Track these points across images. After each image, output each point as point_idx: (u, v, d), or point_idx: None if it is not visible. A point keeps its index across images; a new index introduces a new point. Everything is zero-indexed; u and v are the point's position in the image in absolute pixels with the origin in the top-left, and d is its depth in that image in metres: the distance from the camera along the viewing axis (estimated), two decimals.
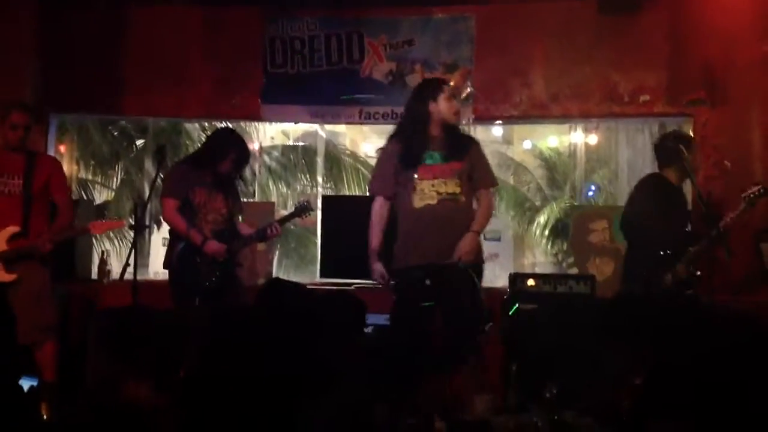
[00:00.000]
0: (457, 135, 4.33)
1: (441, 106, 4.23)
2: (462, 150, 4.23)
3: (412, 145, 4.19)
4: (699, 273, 4.78)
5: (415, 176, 4.16)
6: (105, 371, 2.87)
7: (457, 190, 4.16)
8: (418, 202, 4.16)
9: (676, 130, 5.21)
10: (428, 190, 4.15)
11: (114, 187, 9.03)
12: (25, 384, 3.25)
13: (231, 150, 4.82)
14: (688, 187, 5.17)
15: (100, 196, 8.94)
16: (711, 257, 4.70)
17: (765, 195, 4.73)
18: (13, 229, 4.55)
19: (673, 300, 4.51)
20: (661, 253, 4.69)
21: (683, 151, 4.69)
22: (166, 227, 5.12)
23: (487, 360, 4.93)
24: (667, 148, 4.86)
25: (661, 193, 4.79)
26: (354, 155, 9.87)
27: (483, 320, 4.20)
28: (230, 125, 6.35)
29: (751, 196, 4.73)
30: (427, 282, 4.11)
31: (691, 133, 5.86)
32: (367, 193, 4.78)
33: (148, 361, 2.71)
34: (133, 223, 5.03)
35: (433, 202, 4.14)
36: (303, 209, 5.06)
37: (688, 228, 4.94)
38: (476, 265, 4.20)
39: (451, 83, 6.02)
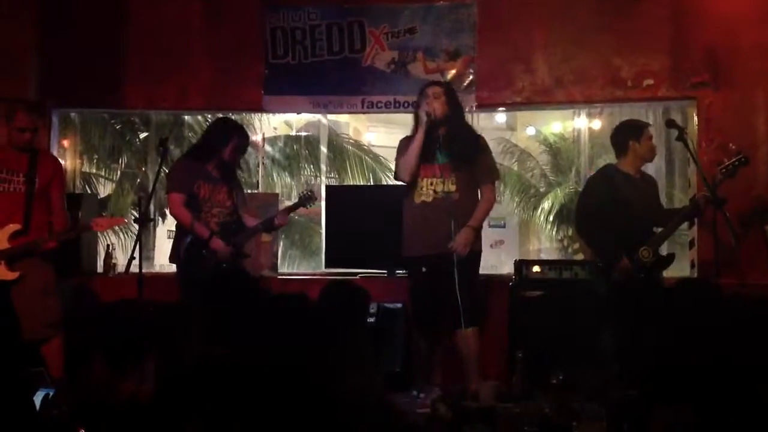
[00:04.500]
0: (463, 134, 4.68)
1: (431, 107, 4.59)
2: (465, 149, 4.61)
3: (425, 143, 4.57)
4: (671, 253, 4.80)
5: (419, 174, 4.60)
6: (103, 370, 2.88)
7: (453, 188, 4.57)
8: (416, 198, 4.62)
9: (628, 120, 5.21)
10: (426, 188, 4.60)
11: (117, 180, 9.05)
12: (41, 394, 3.26)
13: (232, 136, 4.87)
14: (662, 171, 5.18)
15: (104, 189, 8.97)
16: (717, 241, 4.68)
17: (745, 164, 4.71)
18: (14, 227, 4.56)
19: (629, 284, 4.53)
20: (599, 262, 4.78)
21: (636, 138, 4.77)
22: (170, 220, 5.14)
23: (492, 346, 4.96)
24: (617, 139, 4.89)
25: (609, 185, 4.78)
26: (357, 144, 9.88)
27: (477, 308, 4.63)
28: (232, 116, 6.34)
29: (729, 167, 4.71)
30: (423, 269, 4.59)
31: (695, 117, 5.84)
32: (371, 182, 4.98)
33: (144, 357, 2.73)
34: (137, 216, 5.04)
35: (429, 199, 4.60)
36: (307, 199, 5.08)
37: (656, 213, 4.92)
38: (472, 256, 4.59)
39: (453, 71, 6.05)
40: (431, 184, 4.60)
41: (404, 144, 4.74)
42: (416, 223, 4.62)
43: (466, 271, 4.50)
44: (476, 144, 4.74)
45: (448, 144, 4.59)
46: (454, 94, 4.80)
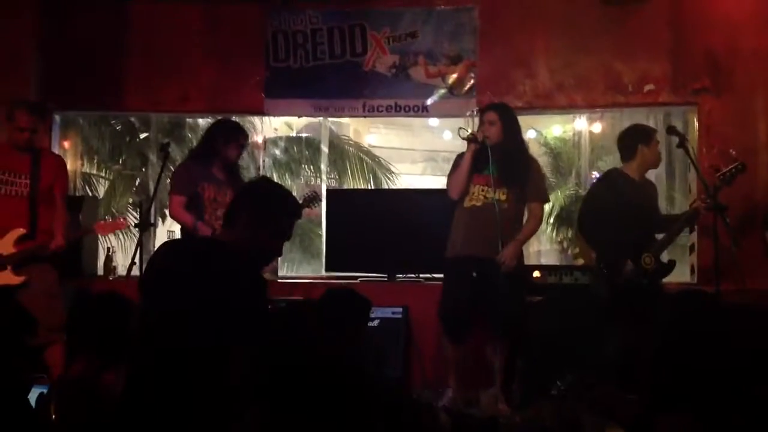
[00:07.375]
0: (516, 158, 4.77)
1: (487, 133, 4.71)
2: (517, 171, 4.73)
3: (478, 158, 4.68)
4: (672, 260, 4.80)
5: (472, 181, 4.73)
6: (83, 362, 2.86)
7: (503, 197, 4.68)
8: (467, 203, 4.75)
9: (638, 124, 5.17)
10: (478, 193, 4.73)
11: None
12: (36, 391, 3.24)
13: (231, 137, 4.89)
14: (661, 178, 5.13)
15: (105, 190, 8.96)
16: (717, 247, 4.67)
17: (742, 171, 4.69)
18: (20, 231, 4.55)
19: (632, 288, 4.53)
20: (602, 266, 4.76)
21: (646, 143, 4.77)
22: (170, 220, 5.14)
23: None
24: (625, 143, 4.87)
25: (614, 189, 4.77)
26: (358, 146, 9.89)
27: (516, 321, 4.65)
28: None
29: (727, 174, 4.69)
30: (474, 274, 4.63)
31: (696, 122, 5.84)
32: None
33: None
34: (138, 219, 5.05)
35: (479, 203, 4.72)
36: (311, 199, 5.11)
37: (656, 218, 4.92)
38: (519, 269, 4.73)
39: (454, 75, 6.06)
40: (482, 190, 4.71)
41: (458, 161, 4.87)
42: (464, 226, 4.73)
43: (514, 284, 4.62)
44: (528, 167, 4.84)
45: (501, 166, 4.67)
46: (510, 115, 4.87)
